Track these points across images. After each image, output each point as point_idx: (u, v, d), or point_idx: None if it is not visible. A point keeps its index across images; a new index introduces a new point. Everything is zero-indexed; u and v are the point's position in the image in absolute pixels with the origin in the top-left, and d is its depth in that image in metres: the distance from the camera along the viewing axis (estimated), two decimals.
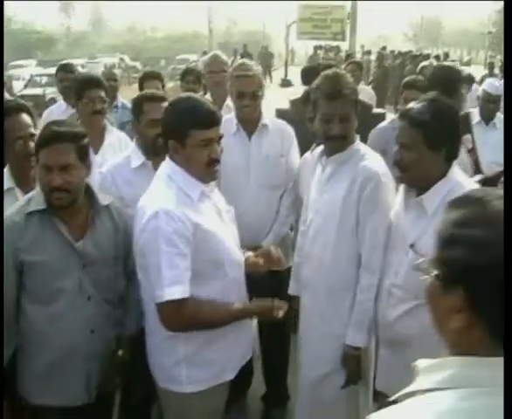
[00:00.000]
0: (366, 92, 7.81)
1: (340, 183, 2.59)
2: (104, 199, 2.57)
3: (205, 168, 2.32)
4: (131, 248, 2.50)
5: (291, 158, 3.48)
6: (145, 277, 2.31)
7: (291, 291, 3.01)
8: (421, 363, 1.14)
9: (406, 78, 4.54)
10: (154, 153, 2.91)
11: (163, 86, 4.69)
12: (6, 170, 2.91)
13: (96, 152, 3.66)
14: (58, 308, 2.44)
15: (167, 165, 2.38)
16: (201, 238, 2.23)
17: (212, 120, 2.32)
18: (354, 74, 8.22)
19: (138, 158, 2.98)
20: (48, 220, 2.42)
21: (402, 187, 2.50)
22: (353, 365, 2.64)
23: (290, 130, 3.54)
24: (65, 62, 6.43)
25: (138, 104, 3.02)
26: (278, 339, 3.63)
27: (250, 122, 3.38)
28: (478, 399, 0.97)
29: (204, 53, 25.75)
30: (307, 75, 5.84)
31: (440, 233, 1.09)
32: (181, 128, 2.27)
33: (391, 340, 2.47)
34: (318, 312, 2.71)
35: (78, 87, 3.81)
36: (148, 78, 4.75)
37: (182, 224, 2.18)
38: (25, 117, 2.94)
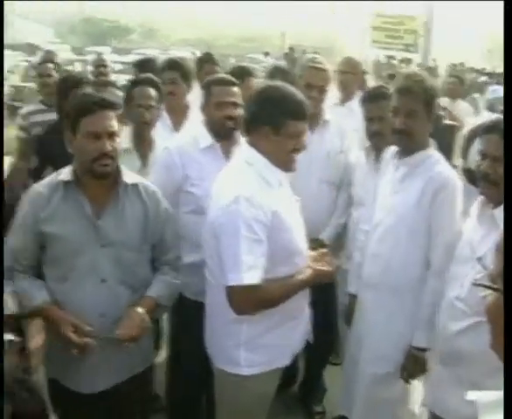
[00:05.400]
0: (462, 107, 7.60)
1: (413, 185, 2.60)
2: (131, 177, 2.49)
3: (288, 156, 2.37)
4: (163, 237, 2.53)
5: (350, 155, 3.53)
6: (215, 258, 2.34)
7: (351, 288, 3.02)
8: (481, 398, 1.05)
9: None
10: (220, 135, 3.00)
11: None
12: (128, 132, 3.27)
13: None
14: (68, 288, 2.37)
15: (246, 151, 2.40)
16: (276, 226, 2.27)
17: (306, 113, 2.37)
18: (454, 88, 7.80)
19: (206, 139, 3.03)
20: (72, 193, 2.37)
21: (479, 199, 2.42)
22: (416, 366, 2.64)
23: (349, 128, 3.60)
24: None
25: (206, 86, 3.09)
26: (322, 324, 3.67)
27: (312, 117, 3.40)
28: None
29: (266, 54, 25.78)
30: None
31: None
32: (279, 116, 2.29)
33: (448, 354, 2.43)
34: (382, 310, 2.73)
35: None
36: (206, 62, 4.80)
37: (261, 211, 2.21)
38: (150, 90, 3.34)
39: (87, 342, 2.30)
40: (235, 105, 3.00)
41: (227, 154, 2.95)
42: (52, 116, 4.48)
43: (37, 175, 3.37)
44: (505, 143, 2.21)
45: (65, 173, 2.41)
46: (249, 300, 2.25)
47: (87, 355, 2.34)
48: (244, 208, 2.18)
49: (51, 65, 4.86)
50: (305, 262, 2.47)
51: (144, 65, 4.91)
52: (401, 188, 2.67)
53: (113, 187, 2.43)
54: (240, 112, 3.02)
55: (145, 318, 2.39)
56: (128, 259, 2.43)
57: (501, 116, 2.23)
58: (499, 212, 2.23)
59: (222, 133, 3.02)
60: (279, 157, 2.35)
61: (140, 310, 2.38)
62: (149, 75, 3.54)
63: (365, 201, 3.20)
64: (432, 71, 15.74)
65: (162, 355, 3.60)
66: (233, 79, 3.13)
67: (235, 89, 3.04)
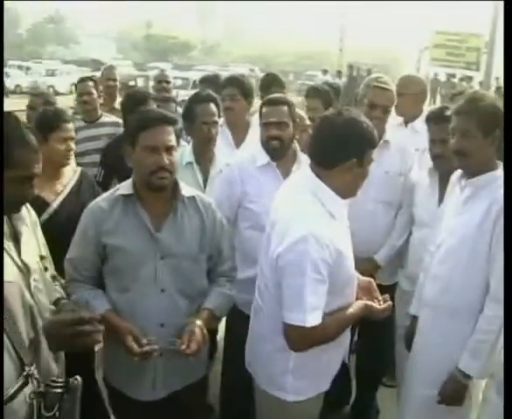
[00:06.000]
0: None
1: (477, 207, 2.54)
2: (188, 190, 2.55)
3: (359, 185, 2.37)
4: (220, 248, 2.58)
5: (410, 177, 3.49)
6: (271, 289, 2.35)
7: (412, 310, 2.96)
8: None
9: None
10: (270, 154, 3.05)
11: None
12: (190, 147, 3.42)
13: None
14: (130, 298, 2.43)
15: (308, 180, 2.33)
16: (338, 263, 2.24)
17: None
18: None
19: (263, 157, 3.09)
20: (132, 206, 2.43)
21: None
22: (455, 391, 2.57)
23: (411, 149, 3.56)
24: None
25: (260, 107, 3.17)
26: (376, 347, 3.64)
27: None
28: None
29: (325, 71, 25.83)
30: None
31: None
32: (365, 148, 2.30)
33: (499, 378, 2.33)
34: (439, 333, 2.66)
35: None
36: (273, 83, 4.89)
37: (328, 251, 2.17)
38: (213, 106, 3.44)
39: (147, 351, 2.35)
40: (281, 124, 3.02)
41: (286, 172, 2.98)
42: (92, 133, 4.61)
43: (104, 186, 3.50)
44: (505, 142, 2.18)
45: (125, 187, 2.49)
46: (308, 340, 2.23)
47: (147, 364, 2.41)
48: (312, 248, 2.13)
49: (90, 83, 4.90)
50: (354, 290, 2.45)
51: (210, 80, 5.04)
52: (465, 210, 2.62)
53: (171, 200, 2.48)
54: (289, 131, 3.04)
55: (204, 330, 2.44)
56: (186, 270, 2.48)
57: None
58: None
59: (270, 152, 3.06)
60: (351, 187, 2.35)
61: (199, 322, 2.43)
62: (209, 92, 3.63)
63: (429, 221, 3.14)
64: (497, 90, 15.41)
65: (218, 368, 3.64)
66: (283, 98, 3.15)
67: (283, 108, 3.05)
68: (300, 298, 2.16)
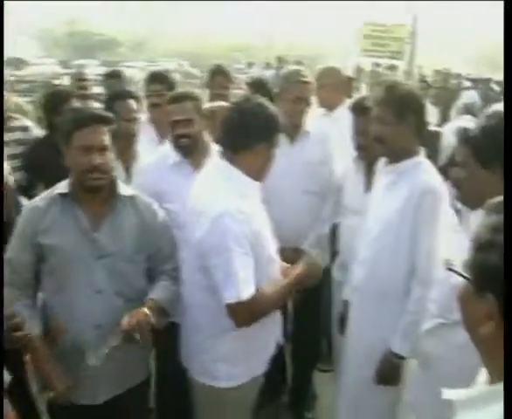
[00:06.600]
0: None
1: (399, 193, 2.61)
2: (127, 190, 2.53)
3: (269, 168, 2.43)
4: (159, 248, 2.54)
5: (336, 165, 3.55)
6: (197, 277, 2.36)
7: (345, 295, 3.02)
8: (456, 396, 1.10)
9: None
10: (180, 152, 3.02)
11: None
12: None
13: None
14: (65, 299, 2.39)
15: (220, 167, 2.38)
16: (257, 241, 2.29)
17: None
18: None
19: (174, 155, 3.06)
20: (69, 206, 2.40)
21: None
22: (390, 372, 2.65)
23: (333, 139, 3.62)
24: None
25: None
26: (311, 332, 3.70)
27: (293, 128, 3.41)
28: None
29: (250, 64, 25.85)
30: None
31: (477, 237, 1.08)
32: (274, 132, 2.36)
33: (420, 355, 2.47)
34: (368, 316, 2.74)
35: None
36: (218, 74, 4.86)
37: (246, 226, 2.22)
38: (133, 103, 3.35)
39: (66, 389, 2.33)
40: (187, 121, 2.99)
41: (199, 166, 2.90)
42: None
43: (29, 191, 3.37)
44: (505, 143, 2.29)
45: (62, 186, 2.44)
46: (249, 313, 2.27)
47: (84, 370, 2.36)
48: (231, 223, 2.19)
49: None
50: (277, 271, 2.49)
51: (114, 76, 5.00)
52: (387, 196, 2.69)
53: (109, 199, 2.46)
54: (196, 127, 3.01)
55: (148, 313, 2.33)
56: (123, 270, 2.45)
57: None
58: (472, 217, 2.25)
59: (180, 151, 3.03)
60: (261, 170, 2.41)
61: (142, 308, 2.35)
62: (127, 88, 3.58)
63: (356, 209, 3.20)
64: (420, 77, 15.84)
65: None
66: (187, 94, 3.10)
67: (188, 104, 3.01)
68: (230, 275, 2.19)
